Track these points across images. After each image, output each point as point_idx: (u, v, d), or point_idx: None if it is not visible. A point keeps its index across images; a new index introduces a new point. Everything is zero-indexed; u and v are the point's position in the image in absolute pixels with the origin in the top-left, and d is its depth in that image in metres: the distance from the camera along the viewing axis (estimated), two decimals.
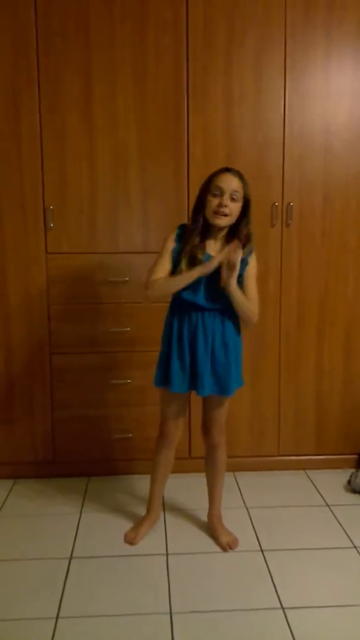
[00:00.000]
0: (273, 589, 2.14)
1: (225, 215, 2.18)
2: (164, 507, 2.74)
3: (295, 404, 3.09)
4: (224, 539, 2.43)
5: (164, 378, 2.36)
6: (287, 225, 2.93)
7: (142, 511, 2.63)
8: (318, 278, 2.99)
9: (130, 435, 3.01)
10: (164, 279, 2.24)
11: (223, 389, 2.32)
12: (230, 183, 2.18)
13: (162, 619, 1.98)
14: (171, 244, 2.28)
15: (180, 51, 2.79)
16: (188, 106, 2.82)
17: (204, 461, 2.52)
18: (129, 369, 2.95)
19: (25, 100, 2.77)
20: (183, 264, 2.22)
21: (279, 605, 2.05)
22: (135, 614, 2.01)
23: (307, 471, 3.13)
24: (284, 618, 1.98)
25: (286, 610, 2.02)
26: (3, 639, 1.91)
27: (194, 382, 2.31)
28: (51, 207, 2.84)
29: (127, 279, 2.85)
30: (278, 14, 2.79)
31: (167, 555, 2.38)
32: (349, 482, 2.95)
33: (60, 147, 2.81)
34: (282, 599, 2.08)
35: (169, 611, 2.02)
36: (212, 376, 2.30)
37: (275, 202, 2.90)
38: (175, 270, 2.24)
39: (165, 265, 2.26)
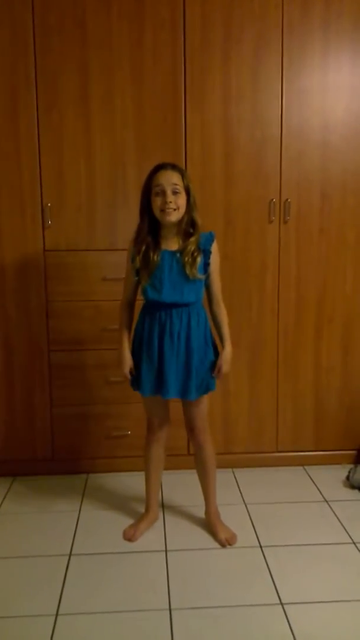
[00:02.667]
0: (272, 584, 2.15)
1: (173, 209, 2.21)
2: (163, 503, 2.74)
3: (293, 400, 3.10)
4: (223, 535, 2.44)
5: (135, 381, 2.39)
6: (285, 222, 2.93)
7: (140, 508, 2.64)
8: (316, 274, 2.99)
9: (129, 432, 3.02)
10: (120, 322, 2.44)
11: (186, 392, 2.33)
12: (169, 178, 2.21)
13: (162, 615, 1.99)
14: (129, 262, 2.35)
15: (177, 49, 2.79)
16: (185, 104, 2.82)
17: (194, 459, 2.52)
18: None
19: (23, 98, 2.77)
20: (137, 262, 2.28)
21: (278, 601, 2.05)
22: (135, 610, 2.02)
23: (305, 467, 3.14)
24: (283, 613, 1.98)
25: (285, 606, 2.02)
26: (3, 636, 1.91)
27: (160, 384, 2.32)
28: (49, 205, 2.84)
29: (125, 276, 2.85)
30: (275, 10, 2.79)
31: (166, 551, 2.38)
32: (347, 477, 2.96)
33: (58, 145, 2.81)
34: (280, 595, 2.09)
35: (168, 607, 2.03)
36: (176, 380, 2.31)
37: (272, 199, 2.91)
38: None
39: (129, 284, 2.39)
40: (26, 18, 2.72)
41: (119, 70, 2.78)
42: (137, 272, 2.30)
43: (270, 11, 2.79)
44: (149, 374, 2.33)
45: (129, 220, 2.85)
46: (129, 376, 2.41)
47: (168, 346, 2.28)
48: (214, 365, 2.36)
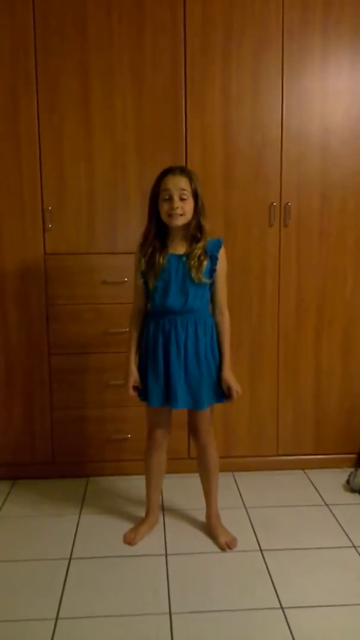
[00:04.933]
0: (272, 588, 2.15)
1: (180, 215, 2.20)
2: (163, 507, 2.74)
3: (293, 403, 3.09)
4: (223, 539, 2.43)
5: (142, 392, 2.38)
6: (285, 225, 2.93)
7: (141, 511, 2.63)
8: (316, 278, 2.99)
9: (129, 435, 3.02)
10: (130, 333, 2.40)
11: (196, 403, 2.33)
12: (177, 183, 2.20)
13: (162, 619, 1.98)
14: (136, 267, 2.34)
15: (178, 52, 2.79)
16: (186, 107, 2.83)
17: (197, 462, 2.52)
18: None
19: (24, 100, 2.77)
20: (143, 264, 2.28)
21: (279, 605, 2.05)
22: (135, 614, 2.01)
23: (305, 471, 3.13)
24: (284, 618, 1.98)
25: (285, 610, 2.02)
26: (3, 639, 1.91)
27: (168, 394, 2.31)
28: (49, 208, 2.84)
29: (126, 279, 2.85)
30: (275, 14, 2.79)
31: (166, 555, 2.38)
32: (347, 481, 2.95)
33: (58, 148, 2.82)
34: (281, 599, 2.08)
35: (168, 611, 2.02)
36: (186, 390, 2.30)
37: (273, 202, 2.91)
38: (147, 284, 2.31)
39: (137, 291, 2.37)
40: (27, 21, 2.72)
41: (120, 73, 2.79)
42: (143, 275, 2.30)
43: (270, 15, 2.79)
44: (156, 385, 2.32)
45: (130, 224, 2.87)
46: (130, 391, 2.38)
47: (174, 357, 2.27)
48: (220, 377, 2.35)
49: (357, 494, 2.87)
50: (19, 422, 3.01)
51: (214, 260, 2.27)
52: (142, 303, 2.38)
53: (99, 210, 2.88)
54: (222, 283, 2.34)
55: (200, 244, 2.25)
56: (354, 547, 2.42)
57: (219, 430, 3.01)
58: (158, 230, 2.29)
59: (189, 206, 2.22)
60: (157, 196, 2.25)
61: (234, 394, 2.36)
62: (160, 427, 2.46)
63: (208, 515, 2.54)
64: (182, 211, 2.20)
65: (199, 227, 2.27)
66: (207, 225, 2.29)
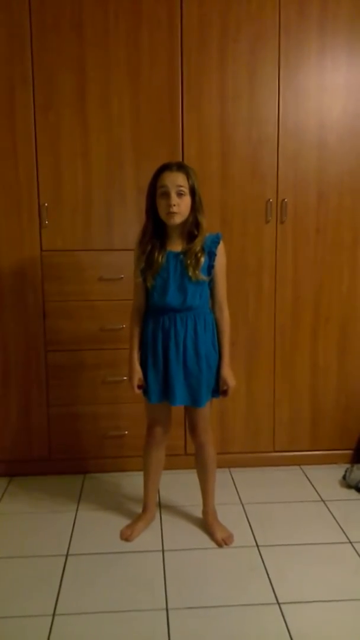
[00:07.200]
0: (269, 584, 2.15)
1: (177, 212, 2.18)
2: (160, 503, 2.74)
3: (290, 400, 3.10)
4: (220, 535, 2.44)
5: (146, 390, 2.38)
6: (282, 222, 2.93)
7: (137, 508, 2.64)
8: (313, 275, 3.00)
9: (126, 432, 3.02)
10: (130, 331, 2.38)
11: (195, 400, 2.33)
12: (174, 179, 2.18)
13: (159, 615, 1.99)
14: (135, 264, 2.32)
15: (174, 48, 2.78)
16: (182, 103, 2.82)
17: (194, 459, 2.52)
18: (124, 366, 2.92)
19: (20, 97, 2.76)
20: (142, 262, 2.27)
21: (275, 601, 2.05)
22: (132, 610, 2.02)
23: (302, 467, 3.14)
24: (280, 613, 1.99)
25: (282, 605, 2.03)
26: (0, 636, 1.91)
27: (167, 391, 2.32)
28: (46, 205, 2.84)
29: (122, 276, 2.85)
30: (272, 10, 2.79)
31: (163, 551, 2.38)
32: (344, 477, 2.96)
33: (54, 145, 2.81)
34: (277, 594, 2.09)
35: (165, 607, 2.03)
36: (185, 387, 2.30)
37: (269, 199, 2.91)
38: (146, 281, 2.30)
39: (137, 288, 2.35)
40: (23, 17, 2.71)
41: (116, 69, 2.78)
42: (142, 272, 2.28)
43: (267, 11, 2.79)
44: (156, 381, 2.32)
45: (126, 220, 2.87)
46: (136, 390, 2.37)
47: (173, 354, 2.27)
48: (218, 373, 2.36)
49: (353, 490, 2.88)
50: (16, 418, 3.01)
51: (212, 256, 2.26)
52: (142, 300, 2.36)
53: (96, 207, 2.87)
54: (222, 279, 2.33)
55: (197, 240, 2.24)
56: (350, 542, 2.43)
57: (216, 427, 3.01)
58: (155, 227, 2.28)
59: (186, 202, 2.20)
60: (154, 192, 2.23)
61: (230, 391, 2.37)
62: (159, 423, 2.46)
63: (205, 512, 2.55)
64: (179, 208, 2.19)
65: (196, 224, 2.26)
66: (204, 221, 2.27)
